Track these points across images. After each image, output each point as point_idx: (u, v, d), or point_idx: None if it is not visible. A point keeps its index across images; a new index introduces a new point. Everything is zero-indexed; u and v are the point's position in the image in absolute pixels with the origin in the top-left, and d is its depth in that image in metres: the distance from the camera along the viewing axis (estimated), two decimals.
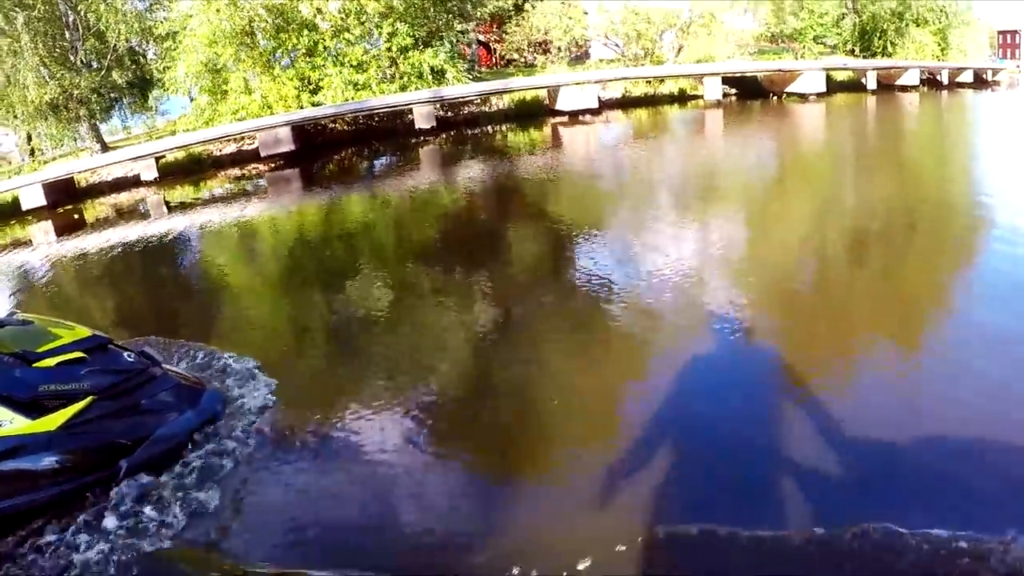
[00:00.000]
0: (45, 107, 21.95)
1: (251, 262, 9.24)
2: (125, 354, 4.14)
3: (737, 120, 18.50)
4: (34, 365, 3.73)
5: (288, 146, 16.80)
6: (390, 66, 18.62)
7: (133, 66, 22.64)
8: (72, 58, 21.28)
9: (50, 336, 3.97)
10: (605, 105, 20.73)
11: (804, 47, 26.60)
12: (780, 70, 21.76)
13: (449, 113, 19.52)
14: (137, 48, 22.05)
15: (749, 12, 31.18)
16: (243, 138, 17.83)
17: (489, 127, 18.80)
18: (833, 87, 23.49)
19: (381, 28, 18.37)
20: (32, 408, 3.63)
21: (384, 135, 18.20)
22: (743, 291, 5.79)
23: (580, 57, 22.64)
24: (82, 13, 20.90)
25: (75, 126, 23.15)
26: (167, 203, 14.41)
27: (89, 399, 3.76)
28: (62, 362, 3.81)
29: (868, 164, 12.23)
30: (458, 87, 18.03)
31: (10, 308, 5.57)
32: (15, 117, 22.85)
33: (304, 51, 18.61)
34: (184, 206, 13.97)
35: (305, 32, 18.28)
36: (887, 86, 25.90)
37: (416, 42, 18.61)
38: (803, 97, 21.34)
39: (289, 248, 9.53)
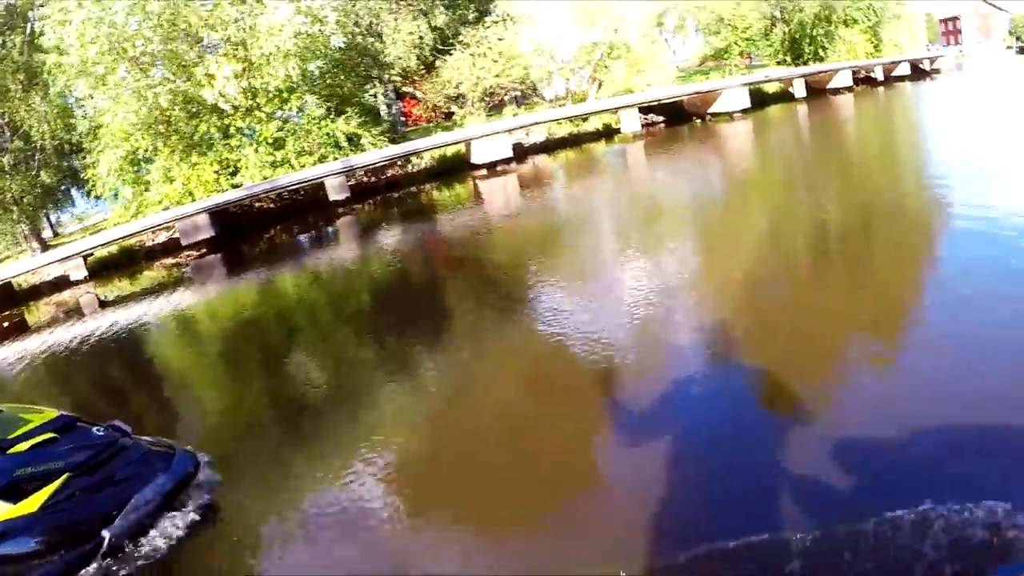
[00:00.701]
0: None
1: (186, 350, 9.43)
2: (94, 429, 4.29)
3: (656, 149, 18.45)
4: (8, 452, 3.89)
5: (207, 232, 16.72)
6: (305, 138, 18.55)
7: (62, 164, 22.72)
8: (3, 159, 21.30)
9: (20, 421, 4.13)
10: (530, 150, 20.73)
11: (731, 63, 26.55)
12: (698, 92, 21.68)
13: (373, 179, 19.49)
14: (62, 146, 22.02)
15: (682, 35, 31.44)
16: (170, 227, 17.75)
17: (410, 187, 18.80)
18: (762, 101, 23.48)
19: (289, 102, 18.33)
20: (11, 493, 3.81)
21: (305, 209, 18.13)
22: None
23: (497, 106, 22.56)
24: (4, 116, 20.99)
25: (12, 227, 23.15)
26: (100, 300, 14.60)
27: (65, 476, 3.93)
28: (35, 444, 3.98)
29: (794, 174, 12.17)
30: (367, 154, 18.00)
31: None
32: None
33: (219, 134, 18.58)
34: (117, 301, 14.19)
35: (215, 116, 18.26)
36: (819, 91, 25.88)
37: (328, 111, 18.57)
38: (728, 116, 21.25)
39: (216, 333, 9.77)
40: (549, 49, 21.19)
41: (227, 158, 18.67)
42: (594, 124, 21.40)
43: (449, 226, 13.36)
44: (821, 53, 28.95)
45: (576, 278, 8.05)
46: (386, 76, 21.10)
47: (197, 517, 4.23)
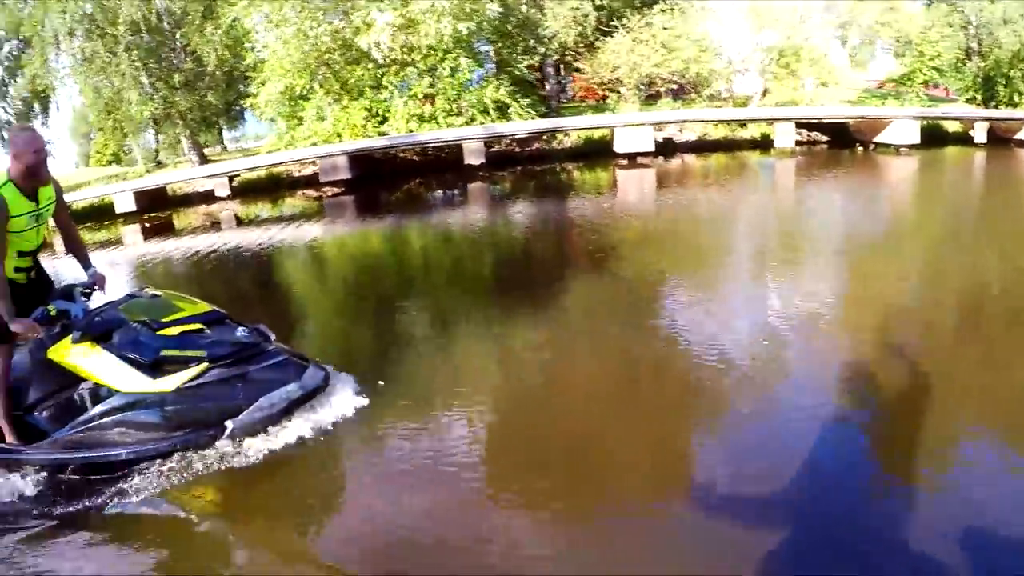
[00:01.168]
0: (147, 122, 23.67)
1: (306, 274, 10.22)
2: (239, 329, 4.58)
3: (807, 171, 17.41)
4: (158, 333, 4.27)
5: (345, 173, 17.19)
6: (456, 99, 18.68)
7: (230, 88, 23.96)
8: (175, 77, 22.68)
9: (174, 308, 4.54)
10: (680, 147, 20.10)
11: (913, 91, 24.72)
12: (863, 117, 20.27)
13: (517, 148, 19.44)
14: (231, 72, 23.18)
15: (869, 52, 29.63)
16: (315, 162, 18.39)
17: (551, 163, 18.59)
18: (936, 138, 21.81)
19: (445, 61, 18.47)
20: (154, 369, 4.16)
21: (444, 167, 18.30)
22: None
23: (654, 96, 21.89)
24: (182, 39, 22.30)
25: (178, 138, 24.76)
26: (237, 217, 16.01)
27: (204, 366, 4.24)
28: (183, 331, 4.35)
29: (949, 228, 11.11)
30: (510, 124, 17.91)
31: (142, 285, 6.24)
32: (122, 131, 24.69)
33: (371, 83, 18.98)
34: (251, 221, 15.54)
35: (371, 66, 18.65)
36: (1003, 140, 23.75)
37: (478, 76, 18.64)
38: (895, 148, 19.81)
39: (333, 266, 10.57)
40: (715, 46, 20.34)
41: (376, 106, 19.08)
42: (752, 132, 20.49)
43: (571, 208, 13.14)
44: (1016, 98, 26.50)
45: (684, 289, 7.68)
46: (542, 49, 20.88)
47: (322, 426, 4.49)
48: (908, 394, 4.83)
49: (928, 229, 11.46)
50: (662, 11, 21.14)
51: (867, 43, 28.54)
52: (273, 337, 4.75)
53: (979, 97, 26.89)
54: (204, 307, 4.65)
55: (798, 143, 20.83)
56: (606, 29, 21.33)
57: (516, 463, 4.22)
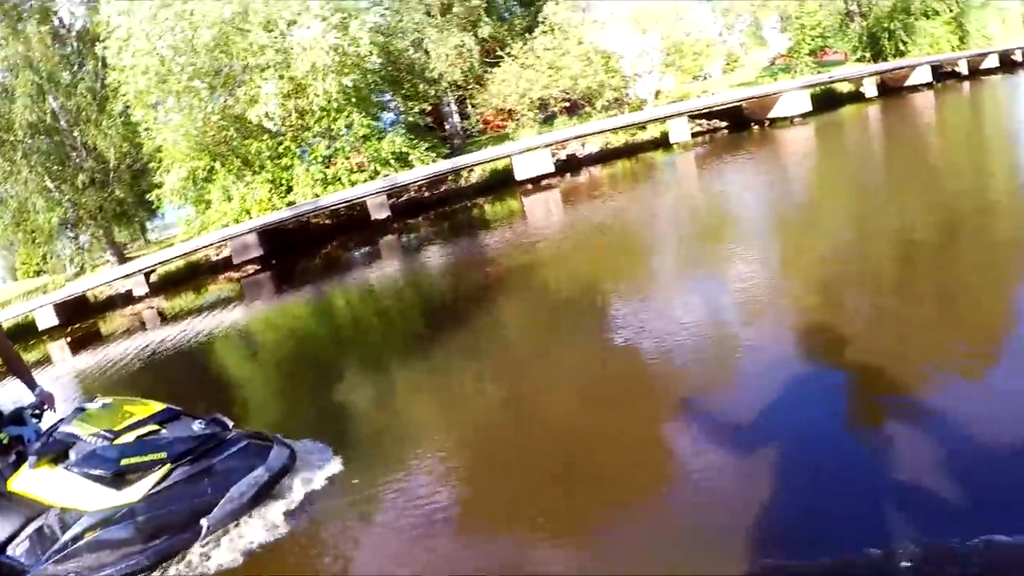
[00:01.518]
0: (57, 228, 23.39)
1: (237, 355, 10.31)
2: (196, 422, 4.50)
3: (706, 160, 17.77)
4: (115, 443, 4.14)
5: (256, 251, 17.15)
6: (354, 156, 18.80)
7: (133, 180, 23.77)
8: (80, 177, 22.45)
9: (127, 413, 4.40)
10: (584, 161, 20.41)
11: (802, 63, 25.38)
12: (753, 97, 20.80)
13: (426, 193, 19.59)
14: (132, 165, 23.02)
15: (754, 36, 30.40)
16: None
17: (459, 203, 18.75)
18: (831, 102, 22.44)
19: (338, 120, 18.57)
20: (118, 481, 4.06)
21: (356, 226, 18.33)
22: None
23: (551, 118, 22.16)
24: (81, 137, 22.11)
25: (91, 240, 24.48)
26: (161, 314, 15.66)
27: (167, 467, 4.15)
28: (140, 436, 4.22)
29: (838, 184, 11.41)
30: (408, 173, 18.04)
31: (90, 396, 5.98)
32: (33, 241, 24.36)
33: (269, 154, 19.00)
34: (176, 316, 15.06)
35: (266, 136, 18.69)
36: (896, 89, 24.52)
37: (372, 130, 18.75)
38: (788, 121, 20.35)
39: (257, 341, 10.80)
40: (598, 58, 20.68)
41: (279, 176, 19.10)
42: (651, 132, 20.86)
43: (482, 242, 13.37)
44: (901, 48, 27.37)
45: (615, 294, 7.90)
46: (432, 91, 21.07)
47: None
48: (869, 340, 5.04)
49: (835, 185, 11.93)
50: (543, 32, 21.48)
51: (752, 28, 29.17)
52: (232, 424, 4.71)
53: (868, 55, 27.73)
54: (157, 406, 4.57)
55: (697, 134, 21.31)
56: (491, 61, 21.58)
57: (498, 495, 4.23)
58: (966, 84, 26.08)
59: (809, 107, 20.61)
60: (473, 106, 22.07)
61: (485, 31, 21.02)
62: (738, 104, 21.16)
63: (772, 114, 20.67)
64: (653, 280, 8.28)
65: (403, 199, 19.44)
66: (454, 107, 23.17)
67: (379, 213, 17.68)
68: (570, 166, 20.08)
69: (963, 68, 26.99)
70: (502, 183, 19.14)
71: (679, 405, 4.79)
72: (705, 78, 29.00)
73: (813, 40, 25.20)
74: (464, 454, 4.78)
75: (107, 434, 4.17)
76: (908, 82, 24.75)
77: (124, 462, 4.08)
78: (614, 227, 12.06)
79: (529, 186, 18.10)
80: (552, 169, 18.00)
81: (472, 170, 19.40)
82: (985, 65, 28.31)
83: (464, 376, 6.38)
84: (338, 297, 12.27)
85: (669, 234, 10.67)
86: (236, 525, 4.24)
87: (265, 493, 4.39)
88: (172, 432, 4.34)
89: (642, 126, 20.67)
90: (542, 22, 21.43)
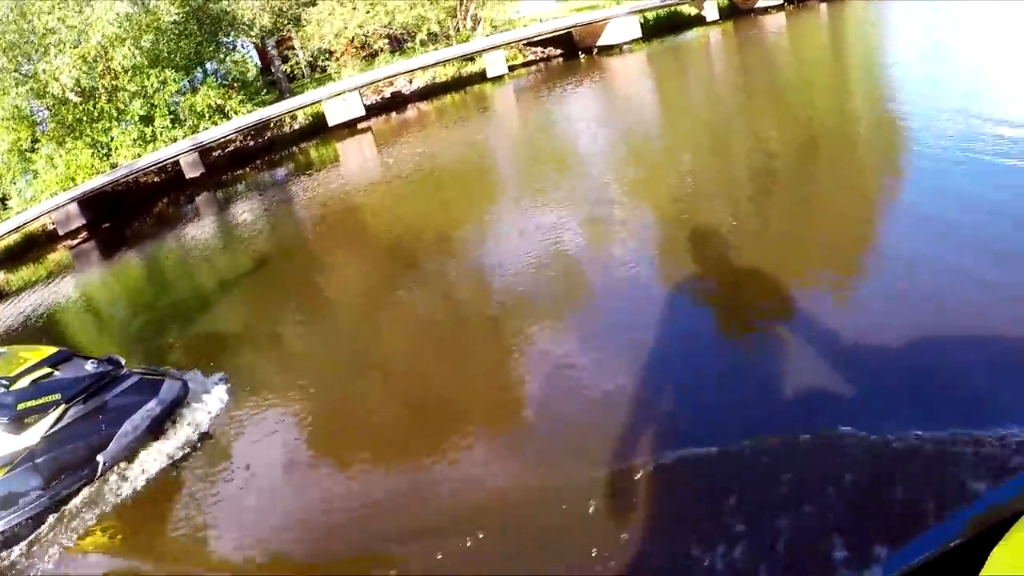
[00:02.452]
0: None
1: None
2: (88, 362, 4.72)
3: (527, 92, 17.73)
4: (11, 388, 4.34)
5: (79, 220, 16.93)
6: (171, 112, 18.48)
7: None
8: None
9: (21, 359, 4.58)
10: (412, 97, 20.19)
11: None
12: (576, 25, 20.48)
13: (252, 143, 19.33)
14: None
15: None
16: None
17: (282, 153, 18.54)
18: (675, 27, 22.15)
19: (151, 77, 18.18)
20: (15, 426, 4.25)
21: (180, 185, 18.10)
22: None
23: (372, 55, 21.69)
24: None
25: None
26: None
27: (62, 408, 4.38)
28: (35, 379, 4.44)
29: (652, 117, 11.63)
30: (215, 129, 17.78)
31: None
32: None
33: (88, 119, 18.59)
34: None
35: (78, 101, 18.27)
36: (746, 11, 24.08)
37: (184, 85, 18.41)
38: (617, 48, 20.09)
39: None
40: None
41: (99, 140, 18.73)
42: (480, 65, 20.57)
43: (293, 191, 13.78)
44: None
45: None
46: (243, 39, 20.56)
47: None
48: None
49: (652, 111, 12.20)
50: None
51: None
52: (124, 362, 4.86)
53: None
54: (49, 350, 4.72)
55: (530, 63, 21.10)
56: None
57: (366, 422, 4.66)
58: (823, 5, 25.55)
59: (638, 33, 20.28)
60: (291, 48, 21.55)
61: None
62: (568, 31, 20.84)
63: (601, 42, 20.34)
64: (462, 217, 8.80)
65: (229, 150, 19.20)
66: (275, 52, 22.48)
67: (192, 171, 17.51)
68: (396, 103, 19.87)
69: None
70: (324, 127, 18.92)
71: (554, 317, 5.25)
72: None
73: None
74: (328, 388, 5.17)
75: (3, 381, 4.32)
76: (758, 4, 24.16)
77: (21, 406, 4.24)
78: (414, 168, 12.39)
79: (345, 130, 17.90)
80: (363, 112, 17.76)
81: (295, 115, 19.11)
82: None
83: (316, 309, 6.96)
84: (152, 260, 12.63)
85: (464, 171, 11.25)
86: (133, 458, 4.42)
87: (159, 424, 4.61)
88: (65, 373, 4.51)
89: (470, 58, 20.36)
90: None
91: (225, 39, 19.68)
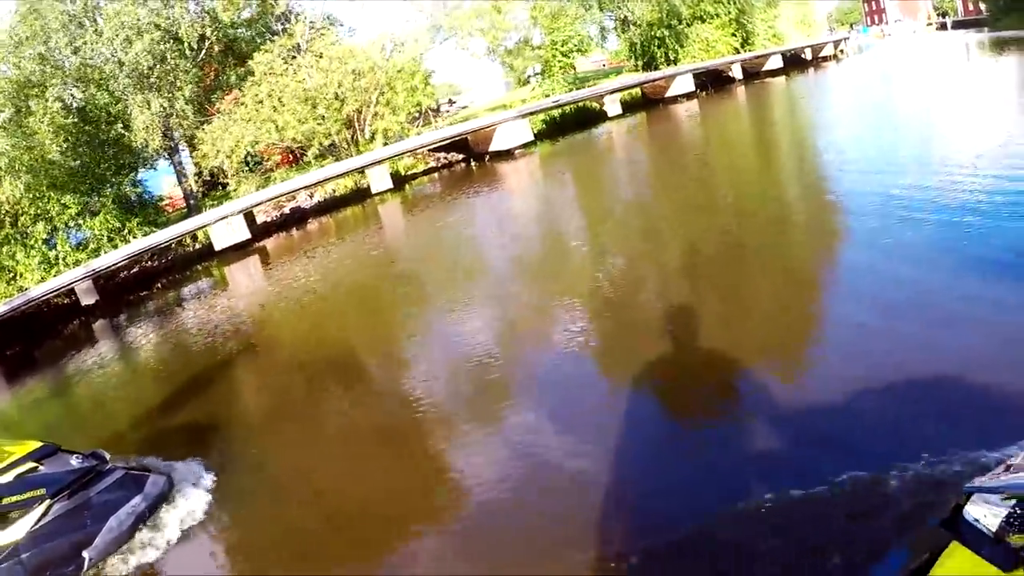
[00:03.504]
0: None
1: None
2: (73, 457, 4.79)
3: (414, 205, 18.17)
4: None
5: None
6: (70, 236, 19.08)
7: None
8: None
9: (5, 453, 4.63)
10: (311, 212, 20.58)
11: (553, 81, 25.56)
12: (467, 132, 20.94)
13: (154, 263, 19.65)
14: None
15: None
16: None
17: (181, 273, 18.71)
18: (588, 120, 22.63)
19: (51, 202, 18.81)
20: (0, 522, 4.31)
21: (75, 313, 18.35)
22: None
23: (267, 170, 22.21)
24: None
25: None
26: None
27: (47, 503, 4.43)
28: (20, 474, 4.48)
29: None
30: (112, 254, 18.14)
31: None
32: None
33: None
34: None
35: None
36: (656, 101, 24.66)
37: (84, 207, 19.01)
38: (510, 153, 20.47)
39: None
40: (308, 103, 20.58)
41: (5, 264, 19.30)
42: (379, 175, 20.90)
43: (176, 325, 14.13)
44: (671, 56, 27.31)
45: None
46: (137, 160, 21.07)
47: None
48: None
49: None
50: (255, 83, 21.40)
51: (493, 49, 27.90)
52: (108, 456, 4.97)
53: (640, 62, 27.70)
54: (33, 444, 4.78)
55: (432, 170, 21.56)
56: (204, 119, 21.44)
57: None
58: (740, 89, 26.09)
59: (530, 137, 20.67)
60: (196, 165, 22.06)
61: (187, 91, 20.72)
62: (464, 137, 21.30)
63: (492, 147, 20.75)
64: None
65: (134, 271, 19.57)
66: (187, 168, 22.88)
67: (88, 298, 17.66)
68: (295, 219, 20.25)
69: (737, 73, 26.66)
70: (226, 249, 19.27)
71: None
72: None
73: (565, 55, 25.38)
74: None
75: None
76: (670, 92, 24.73)
77: (5, 501, 4.30)
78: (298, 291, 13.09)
79: (233, 253, 18.17)
80: (248, 236, 18.04)
81: (195, 235, 19.54)
82: (769, 66, 28.02)
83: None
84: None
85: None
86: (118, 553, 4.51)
87: (144, 520, 4.69)
88: (50, 468, 4.60)
89: (361, 170, 20.59)
90: (252, 73, 21.44)
91: (126, 160, 20.25)
